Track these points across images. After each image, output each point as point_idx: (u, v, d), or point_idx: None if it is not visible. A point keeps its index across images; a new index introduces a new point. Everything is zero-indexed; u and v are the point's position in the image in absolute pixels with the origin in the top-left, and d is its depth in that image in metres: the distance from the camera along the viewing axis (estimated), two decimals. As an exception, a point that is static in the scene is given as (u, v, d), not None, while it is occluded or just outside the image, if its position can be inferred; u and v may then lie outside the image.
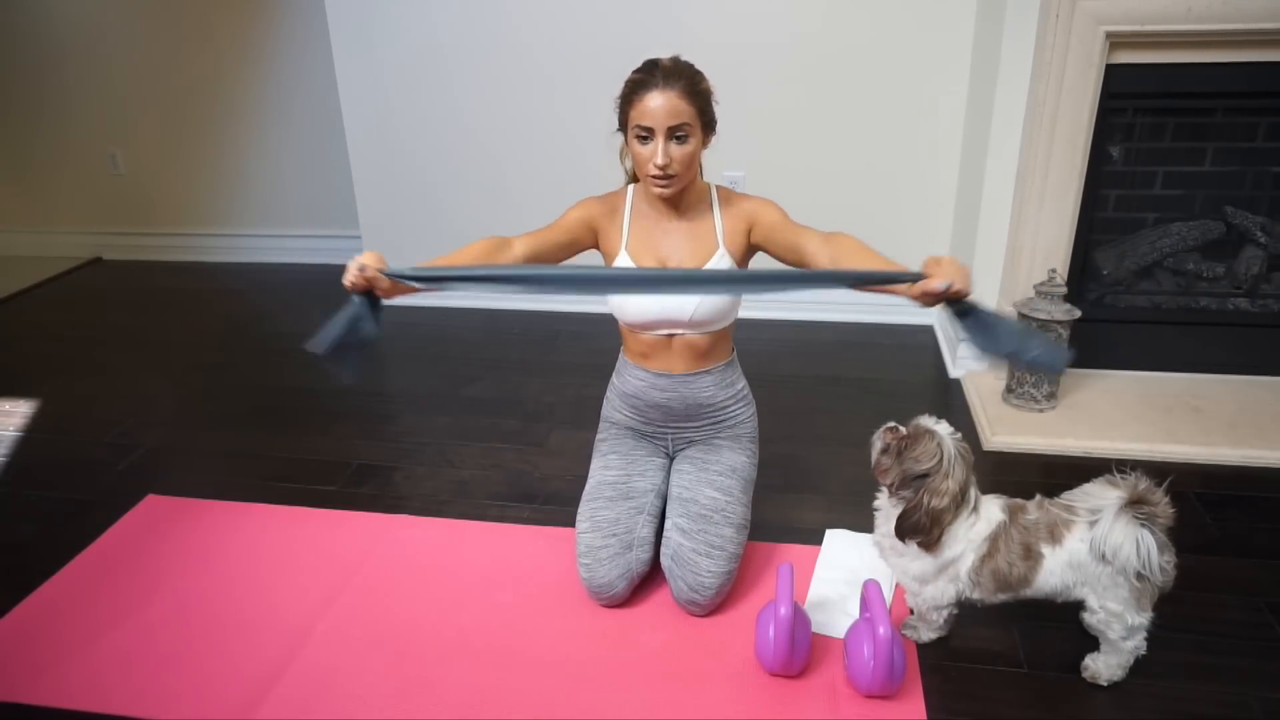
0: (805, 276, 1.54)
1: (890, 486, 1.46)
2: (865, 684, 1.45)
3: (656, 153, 1.54)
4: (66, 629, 1.71)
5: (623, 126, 1.61)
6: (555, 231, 1.70)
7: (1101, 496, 1.38)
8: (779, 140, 2.88)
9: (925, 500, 1.40)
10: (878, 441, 1.48)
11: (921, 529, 1.41)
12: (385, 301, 1.45)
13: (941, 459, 1.39)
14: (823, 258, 1.54)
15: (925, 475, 1.40)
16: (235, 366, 2.92)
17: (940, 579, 1.48)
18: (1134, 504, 1.35)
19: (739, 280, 1.61)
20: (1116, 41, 2.18)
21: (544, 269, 1.62)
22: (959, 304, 1.34)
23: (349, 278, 1.40)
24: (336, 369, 1.42)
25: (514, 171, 3.09)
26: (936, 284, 1.30)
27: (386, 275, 1.39)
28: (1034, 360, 1.39)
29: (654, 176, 1.57)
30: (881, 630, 1.41)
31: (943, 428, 1.42)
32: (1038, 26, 2.21)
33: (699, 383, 1.77)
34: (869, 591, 1.48)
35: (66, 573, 1.87)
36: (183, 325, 3.29)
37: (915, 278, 1.33)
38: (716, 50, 2.82)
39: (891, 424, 1.49)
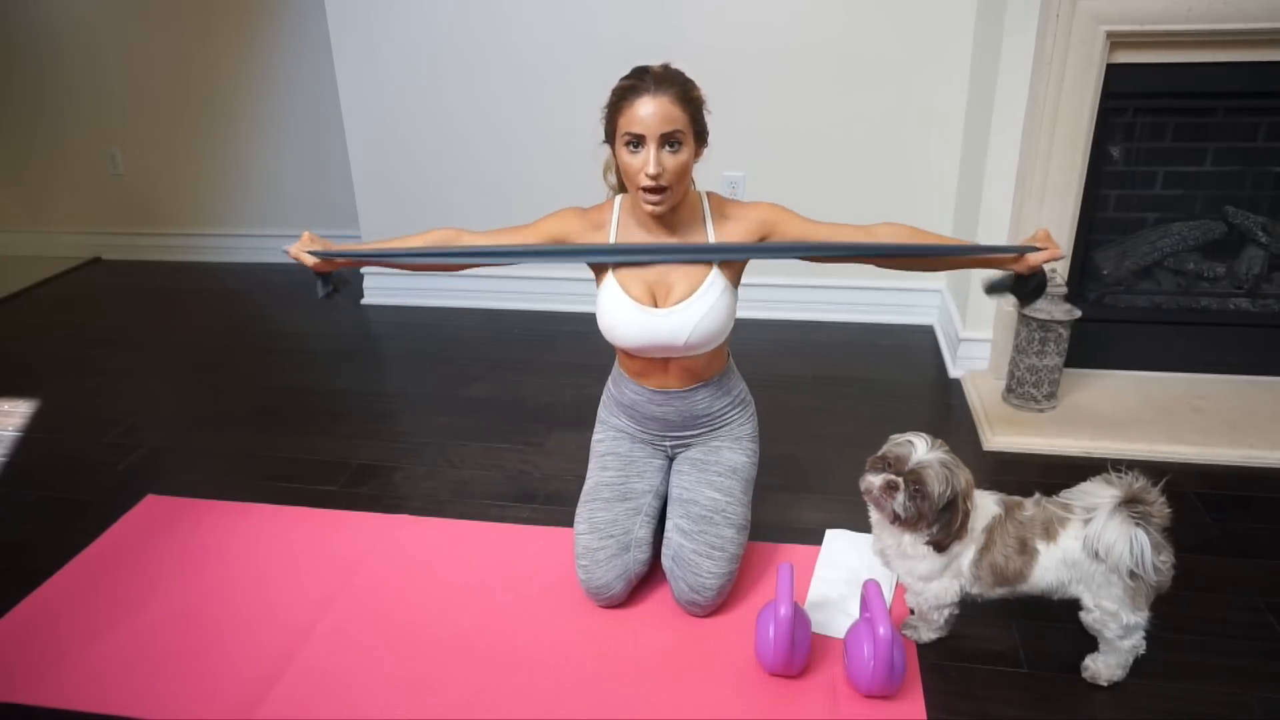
0: (897, 247, 1.64)
1: (928, 530, 1.43)
2: (865, 684, 1.45)
3: (648, 161, 1.46)
4: (66, 629, 1.71)
5: (609, 137, 1.54)
6: (519, 238, 1.66)
7: (1097, 495, 1.38)
8: (778, 141, 2.87)
9: (966, 509, 1.40)
10: (898, 509, 1.40)
11: (962, 534, 1.42)
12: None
13: (950, 476, 1.38)
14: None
15: (953, 499, 1.39)
16: (235, 366, 2.92)
17: (945, 575, 1.48)
18: (1129, 503, 1.35)
19: (789, 249, 1.64)
20: (1116, 41, 2.18)
21: (467, 248, 1.68)
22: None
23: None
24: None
25: (513, 172, 3.09)
26: (1060, 252, 1.53)
27: (313, 255, 1.63)
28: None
29: (645, 189, 1.49)
30: (881, 630, 1.41)
31: (920, 447, 1.39)
32: (1038, 26, 2.21)
33: (696, 396, 1.76)
34: (869, 591, 1.48)
35: (66, 573, 1.87)
36: (183, 325, 3.29)
37: (1024, 250, 1.53)
38: (715, 52, 2.81)
39: (883, 481, 1.40)
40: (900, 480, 1.39)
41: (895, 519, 1.42)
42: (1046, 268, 1.56)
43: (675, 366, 1.71)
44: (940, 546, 1.43)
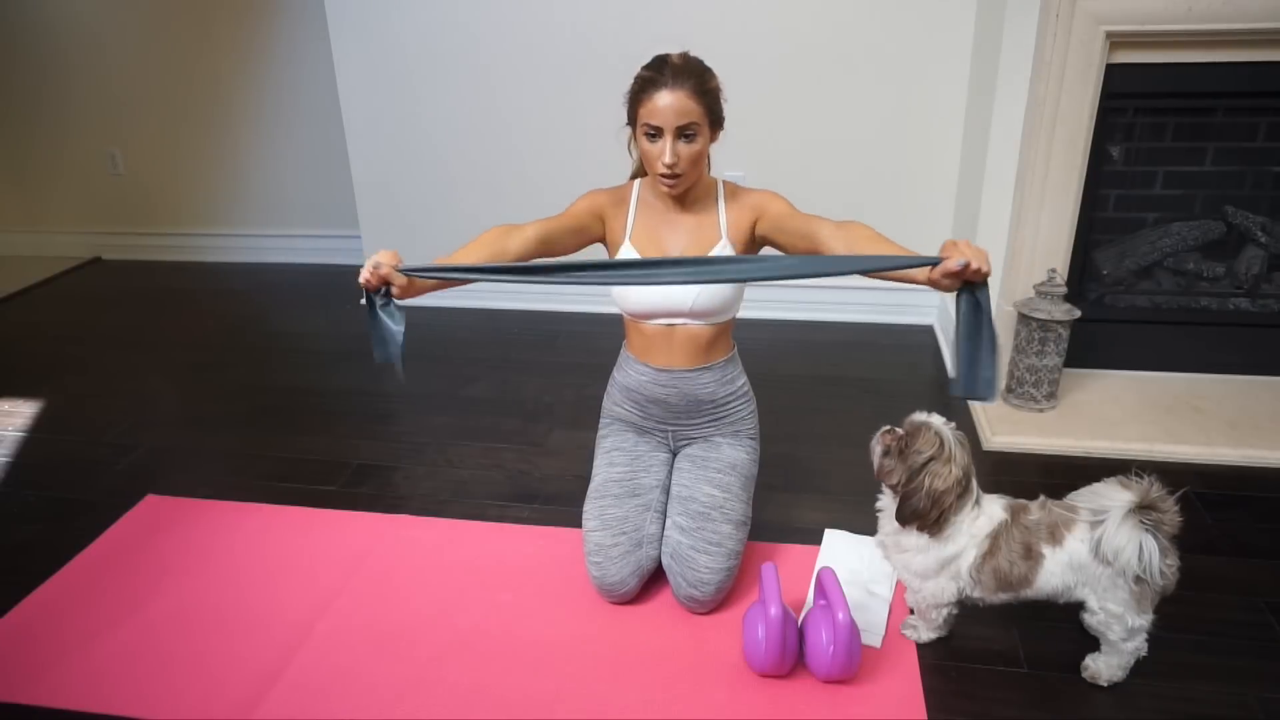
0: (820, 263, 1.55)
1: (896, 486, 1.46)
2: (824, 669, 1.48)
3: (665, 151, 1.56)
4: (66, 629, 1.71)
5: (631, 122, 1.63)
6: (565, 219, 1.71)
7: (1110, 497, 1.37)
8: (778, 141, 2.88)
9: (926, 483, 1.41)
10: (877, 446, 1.49)
11: (922, 513, 1.42)
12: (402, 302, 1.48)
13: (942, 445, 1.41)
14: (837, 245, 1.54)
15: (929, 462, 1.41)
16: (235, 366, 2.92)
17: (942, 575, 1.48)
18: (1143, 509, 1.35)
19: (750, 265, 1.60)
20: (1116, 41, 2.18)
21: (555, 261, 1.62)
22: (974, 290, 1.35)
23: (364, 275, 1.43)
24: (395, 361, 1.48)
25: (514, 171, 3.09)
26: (954, 262, 1.31)
27: (402, 272, 1.43)
28: (977, 375, 1.38)
29: (662, 175, 1.59)
30: (840, 616, 1.44)
31: (936, 419, 1.44)
32: (1038, 26, 2.21)
33: (700, 379, 1.77)
34: (825, 578, 1.50)
35: (66, 573, 1.87)
36: (183, 325, 3.29)
37: (934, 261, 1.35)
38: (716, 52, 2.81)
39: (887, 427, 1.49)
40: (898, 430, 1.46)
41: (881, 459, 1.48)
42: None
43: (682, 339, 1.73)
44: (901, 517, 1.45)
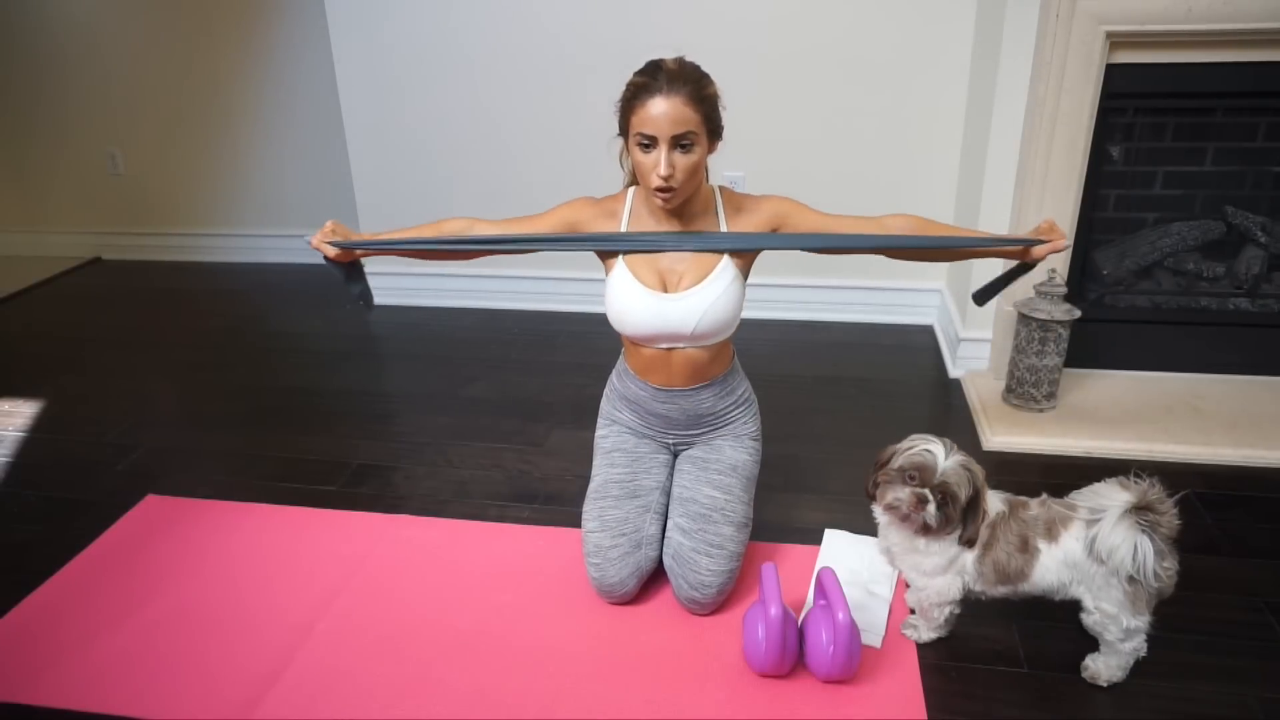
0: (904, 240, 1.65)
1: (948, 529, 1.44)
2: (824, 669, 1.48)
3: (660, 163, 1.46)
4: (66, 629, 1.71)
5: (623, 131, 1.55)
6: (531, 226, 1.67)
7: (1108, 497, 1.38)
8: (777, 142, 2.87)
9: (987, 510, 1.43)
10: (930, 521, 1.41)
11: (979, 529, 1.44)
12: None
13: (971, 476, 1.40)
14: (896, 234, 1.64)
15: (974, 497, 1.41)
16: (235, 366, 2.92)
17: (949, 571, 1.48)
18: (1140, 509, 1.35)
19: (790, 239, 1.65)
20: (1116, 41, 2.18)
21: (485, 237, 1.69)
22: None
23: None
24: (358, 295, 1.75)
25: (514, 172, 3.09)
26: (1063, 243, 1.57)
27: (333, 245, 1.63)
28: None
29: (656, 188, 1.51)
30: (840, 616, 1.43)
31: (937, 453, 1.40)
32: (1038, 26, 2.21)
33: (700, 395, 1.76)
34: (825, 579, 1.50)
35: (66, 573, 1.87)
36: (183, 325, 3.29)
37: (1033, 242, 1.58)
38: (715, 53, 2.81)
39: (913, 496, 1.40)
40: (928, 493, 1.40)
41: (925, 529, 1.43)
42: (1045, 271, 1.60)
43: (680, 361, 1.70)
44: (972, 542, 1.45)
